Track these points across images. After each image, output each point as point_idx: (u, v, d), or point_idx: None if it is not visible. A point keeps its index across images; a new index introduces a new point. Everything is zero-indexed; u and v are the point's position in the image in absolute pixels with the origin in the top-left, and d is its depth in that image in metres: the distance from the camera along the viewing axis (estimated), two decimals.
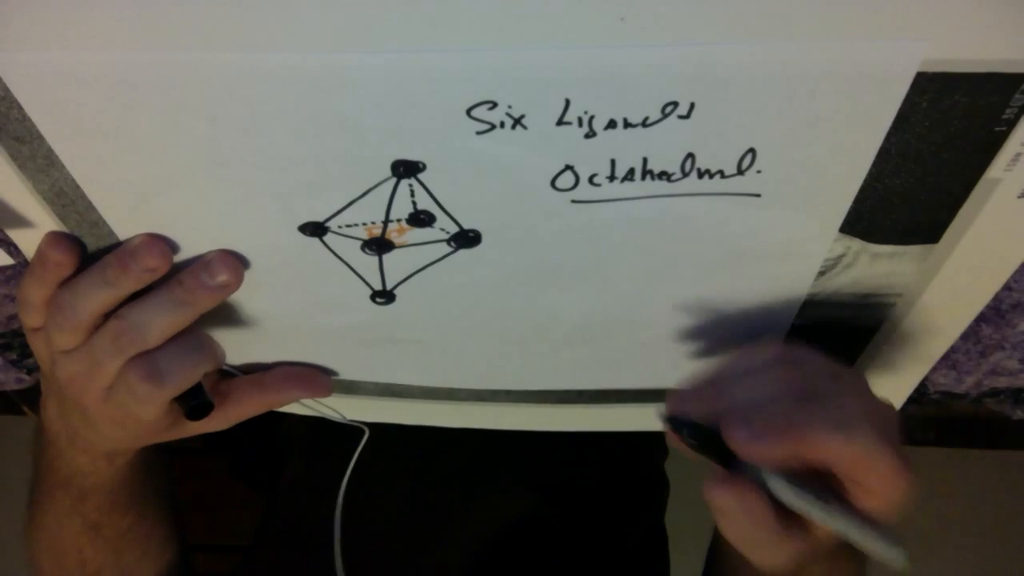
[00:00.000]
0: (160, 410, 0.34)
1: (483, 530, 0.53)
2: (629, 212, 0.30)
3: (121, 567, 0.48)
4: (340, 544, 0.47)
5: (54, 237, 0.31)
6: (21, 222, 0.31)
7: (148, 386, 0.33)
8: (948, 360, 0.50)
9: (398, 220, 0.30)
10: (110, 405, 0.34)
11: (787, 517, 0.30)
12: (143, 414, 0.34)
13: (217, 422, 0.39)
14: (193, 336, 0.35)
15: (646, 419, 0.44)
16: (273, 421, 0.61)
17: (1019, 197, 0.29)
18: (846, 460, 0.29)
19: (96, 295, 0.31)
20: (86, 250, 0.32)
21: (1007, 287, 0.45)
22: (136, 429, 0.36)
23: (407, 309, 0.35)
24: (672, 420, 0.31)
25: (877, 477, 0.29)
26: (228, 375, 0.40)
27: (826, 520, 0.29)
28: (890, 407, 0.32)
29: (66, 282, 0.32)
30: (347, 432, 0.47)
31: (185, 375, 0.34)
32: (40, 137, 0.27)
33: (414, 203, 0.29)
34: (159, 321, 0.32)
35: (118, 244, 0.32)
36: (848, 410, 0.29)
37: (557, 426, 0.44)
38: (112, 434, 0.37)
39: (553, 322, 0.36)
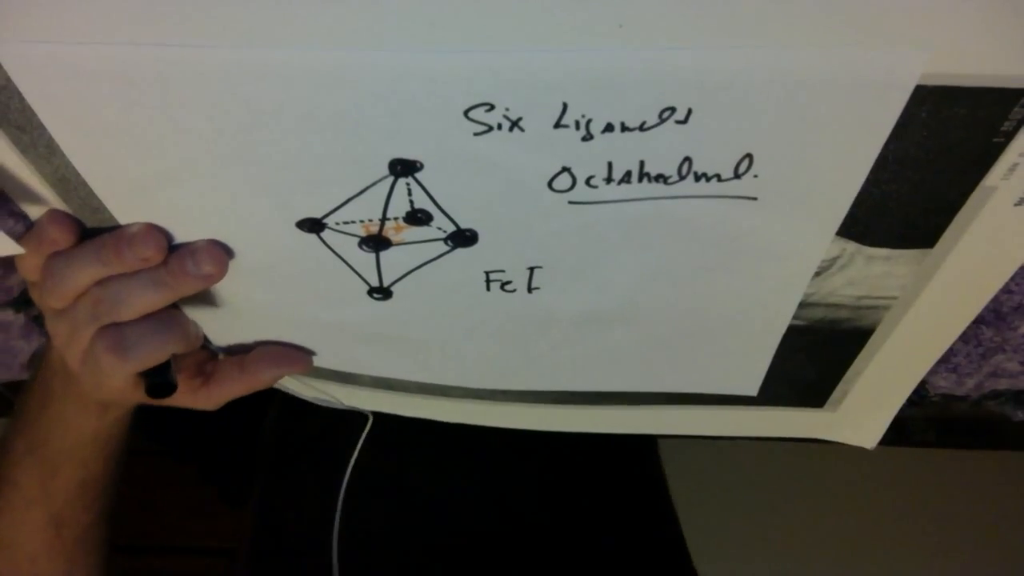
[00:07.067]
0: (126, 383, 0.35)
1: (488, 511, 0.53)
2: (626, 213, 0.30)
3: None
4: (337, 540, 0.47)
5: (54, 215, 0.32)
6: (28, 199, 0.32)
7: (112, 358, 0.33)
8: (949, 363, 0.50)
9: (395, 218, 0.30)
10: (86, 368, 0.35)
11: None
12: (110, 383, 0.35)
13: (204, 401, 0.40)
14: (167, 316, 0.35)
15: (641, 422, 0.44)
16: (249, 432, 0.61)
17: (1015, 205, 0.29)
18: None
19: (88, 270, 0.32)
20: (85, 228, 0.33)
21: (1007, 289, 0.45)
22: (112, 394, 0.37)
23: (404, 306, 0.35)
24: None
25: None
26: (216, 356, 0.41)
27: None
28: None
29: (62, 251, 0.33)
30: (342, 432, 0.47)
31: (150, 353, 0.34)
32: (41, 126, 0.28)
33: (411, 202, 0.30)
34: (137, 297, 0.33)
35: (118, 226, 0.32)
36: None
37: (551, 426, 0.44)
38: (95, 393, 0.38)
39: (549, 322, 0.36)
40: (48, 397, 0.41)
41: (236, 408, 0.53)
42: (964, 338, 0.48)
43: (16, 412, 0.44)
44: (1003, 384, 0.51)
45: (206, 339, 0.40)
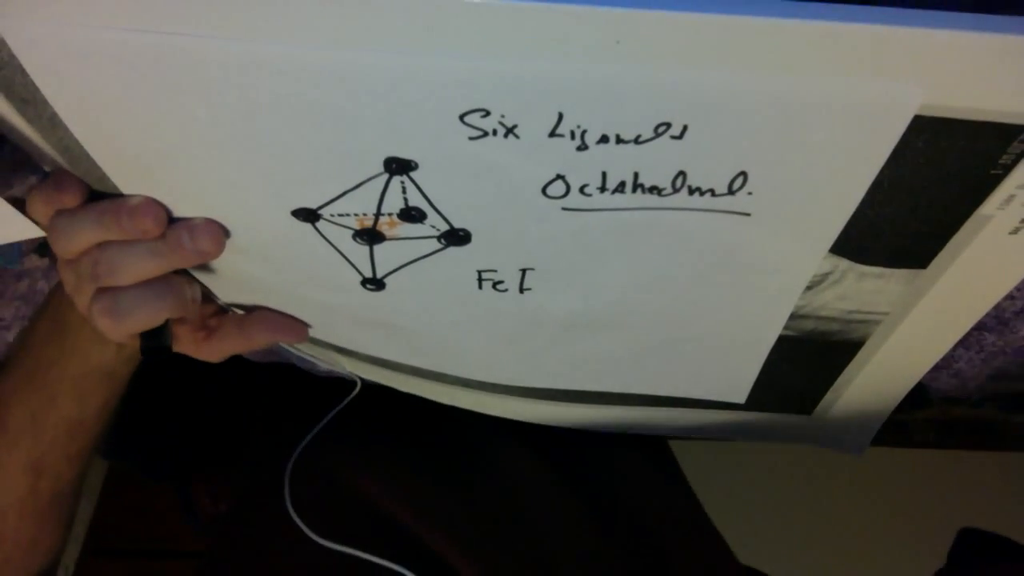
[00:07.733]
0: (124, 341, 0.36)
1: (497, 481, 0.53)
2: (619, 221, 0.30)
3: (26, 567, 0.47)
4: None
5: (60, 177, 0.33)
6: (43, 160, 0.33)
7: (107, 321, 0.34)
8: (951, 368, 0.50)
9: (389, 214, 0.30)
10: (90, 319, 0.36)
11: None
12: (109, 338, 0.36)
13: (206, 354, 0.41)
14: (164, 282, 0.35)
15: (630, 422, 0.44)
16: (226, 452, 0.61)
17: (1010, 234, 0.29)
18: None
19: (89, 232, 0.33)
20: (91, 190, 0.33)
21: (1010, 296, 0.45)
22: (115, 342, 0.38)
23: (397, 297, 0.36)
24: None
25: None
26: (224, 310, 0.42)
27: None
28: None
29: (68, 210, 0.33)
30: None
31: (144, 318, 0.35)
32: (44, 101, 0.28)
33: (405, 199, 0.30)
34: (134, 263, 0.33)
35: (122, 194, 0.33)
36: None
37: (541, 420, 0.45)
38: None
39: (540, 323, 0.37)
40: (60, 328, 0.42)
41: (207, 429, 0.54)
42: (966, 344, 0.48)
43: (12, 348, 0.44)
44: (1005, 387, 0.52)
45: (212, 293, 0.40)
